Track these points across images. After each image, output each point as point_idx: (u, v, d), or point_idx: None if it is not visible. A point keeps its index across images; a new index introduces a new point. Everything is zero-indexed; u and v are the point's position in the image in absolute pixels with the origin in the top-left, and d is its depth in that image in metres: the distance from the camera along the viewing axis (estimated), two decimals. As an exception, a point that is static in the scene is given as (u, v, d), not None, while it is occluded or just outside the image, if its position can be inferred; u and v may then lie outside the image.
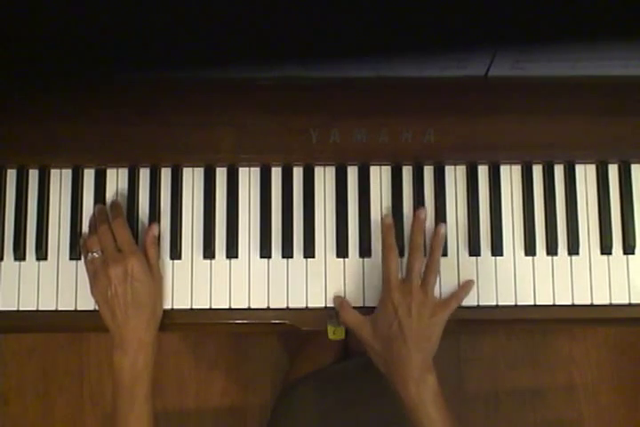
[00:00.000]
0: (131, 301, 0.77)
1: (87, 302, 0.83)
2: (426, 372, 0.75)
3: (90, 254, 0.80)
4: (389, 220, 0.83)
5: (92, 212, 0.85)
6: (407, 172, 0.85)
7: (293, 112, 0.83)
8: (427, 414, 0.74)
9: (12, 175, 0.85)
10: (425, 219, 0.83)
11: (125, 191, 0.85)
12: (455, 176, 0.85)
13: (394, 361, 0.75)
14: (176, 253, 0.84)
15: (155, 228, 0.83)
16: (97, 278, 0.79)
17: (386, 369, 0.77)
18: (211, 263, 0.84)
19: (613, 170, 0.85)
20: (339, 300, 0.82)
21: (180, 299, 0.83)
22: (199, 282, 0.83)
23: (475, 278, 0.83)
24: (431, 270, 0.79)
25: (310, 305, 0.83)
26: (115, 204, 0.84)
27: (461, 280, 0.83)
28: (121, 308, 0.77)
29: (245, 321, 0.83)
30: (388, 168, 0.85)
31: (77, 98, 0.84)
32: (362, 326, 0.79)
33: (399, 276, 0.79)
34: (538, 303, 0.83)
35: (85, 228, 0.85)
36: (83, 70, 0.80)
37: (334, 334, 0.82)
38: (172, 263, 0.84)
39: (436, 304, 0.78)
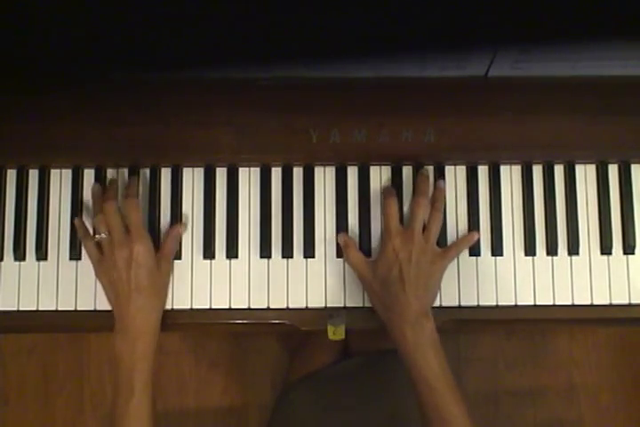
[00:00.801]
0: (134, 286, 0.76)
1: (87, 302, 0.83)
2: (423, 317, 0.75)
3: (97, 236, 0.79)
4: (391, 188, 0.84)
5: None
6: (407, 172, 0.85)
7: (293, 112, 0.83)
8: (423, 356, 0.74)
9: (11, 175, 0.85)
10: (428, 175, 0.83)
11: (116, 186, 0.85)
12: (455, 176, 0.85)
13: (391, 305, 0.76)
14: (176, 253, 0.84)
15: (183, 226, 0.83)
16: (102, 260, 0.78)
17: (383, 313, 0.78)
18: (211, 263, 0.84)
19: (613, 170, 0.85)
20: (344, 238, 0.82)
21: (180, 299, 0.83)
22: (199, 282, 0.83)
23: (475, 278, 0.83)
24: (434, 218, 0.80)
25: (310, 305, 0.83)
26: (132, 181, 0.83)
27: (461, 280, 0.83)
28: (124, 292, 0.76)
29: (245, 321, 0.83)
30: (388, 168, 0.85)
31: (77, 98, 0.84)
32: (363, 267, 0.79)
33: (398, 221, 0.80)
34: (538, 303, 0.83)
35: (86, 225, 0.84)
36: (83, 70, 0.80)
37: (334, 334, 0.82)
38: (172, 263, 0.84)
39: (435, 252, 0.79)
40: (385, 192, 0.83)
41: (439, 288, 0.81)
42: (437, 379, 0.74)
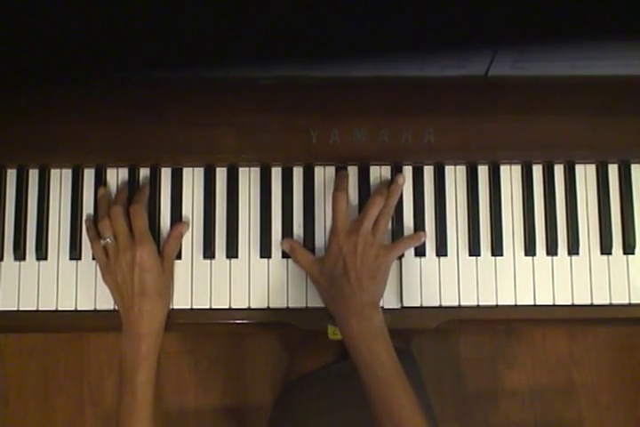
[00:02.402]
0: (138, 290, 0.77)
1: (87, 302, 0.83)
2: (369, 308, 0.76)
3: (102, 240, 0.80)
4: (344, 171, 0.84)
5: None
6: (407, 172, 0.85)
7: (293, 112, 0.83)
8: (369, 347, 0.74)
9: (12, 175, 0.85)
10: (403, 183, 0.83)
11: (125, 191, 0.85)
12: (455, 176, 0.85)
13: (338, 298, 0.77)
14: (176, 254, 0.84)
15: (185, 225, 0.83)
16: (109, 264, 0.79)
17: (331, 306, 0.78)
18: (211, 263, 0.84)
19: (613, 170, 0.85)
20: (288, 243, 0.82)
21: (180, 299, 0.83)
22: (199, 282, 0.83)
23: (475, 278, 0.83)
24: (384, 214, 0.81)
25: (310, 305, 0.83)
26: (142, 188, 0.84)
27: (461, 280, 0.83)
28: (129, 295, 0.78)
29: (245, 321, 0.83)
30: (388, 168, 0.85)
31: (77, 98, 0.84)
32: (312, 266, 0.80)
33: (348, 217, 0.81)
34: (538, 303, 0.83)
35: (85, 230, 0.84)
36: (83, 70, 0.80)
37: (334, 333, 0.82)
38: (174, 264, 0.84)
39: (382, 246, 0.79)
40: (336, 186, 0.83)
41: (386, 283, 0.80)
42: (385, 369, 0.73)
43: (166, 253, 0.82)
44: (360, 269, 0.77)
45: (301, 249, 0.82)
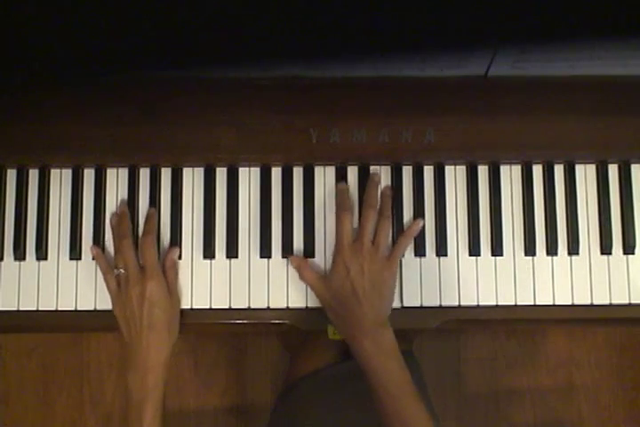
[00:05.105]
0: (146, 324, 0.77)
1: (87, 302, 0.83)
2: (380, 327, 0.76)
3: (116, 270, 0.80)
4: (342, 185, 0.84)
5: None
6: (407, 172, 0.85)
7: (293, 112, 0.83)
8: (382, 365, 0.74)
9: (12, 175, 0.85)
10: (379, 181, 0.84)
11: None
12: (455, 176, 0.85)
13: (348, 319, 0.77)
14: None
15: (175, 251, 0.83)
16: (119, 296, 0.79)
17: (341, 327, 0.78)
18: (211, 263, 0.84)
19: (613, 170, 0.85)
20: (296, 260, 0.82)
21: (180, 299, 0.83)
22: (199, 282, 0.83)
23: (475, 278, 0.83)
24: (382, 228, 0.80)
25: (310, 305, 0.83)
26: (149, 217, 0.83)
27: (462, 280, 0.83)
28: (137, 328, 0.78)
29: (245, 321, 0.83)
30: (388, 168, 0.85)
31: (77, 98, 0.84)
32: (319, 285, 0.80)
33: (352, 236, 0.80)
34: (538, 303, 0.83)
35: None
36: (82, 70, 0.80)
37: (334, 334, 0.82)
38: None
39: (383, 259, 0.79)
40: (338, 205, 0.82)
41: (394, 295, 0.81)
42: (399, 387, 0.74)
43: (169, 285, 0.81)
44: (369, 289, 0.77)
45: (308, 268, 0.81)
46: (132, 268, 0.79)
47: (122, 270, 0.79)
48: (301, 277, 0.82)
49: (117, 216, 0.84)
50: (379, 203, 0.83)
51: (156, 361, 0.78)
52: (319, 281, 0.80)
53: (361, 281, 0.77)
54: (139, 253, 0.81)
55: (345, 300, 0.77)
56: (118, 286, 0.80)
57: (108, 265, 0.82)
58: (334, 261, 0.80)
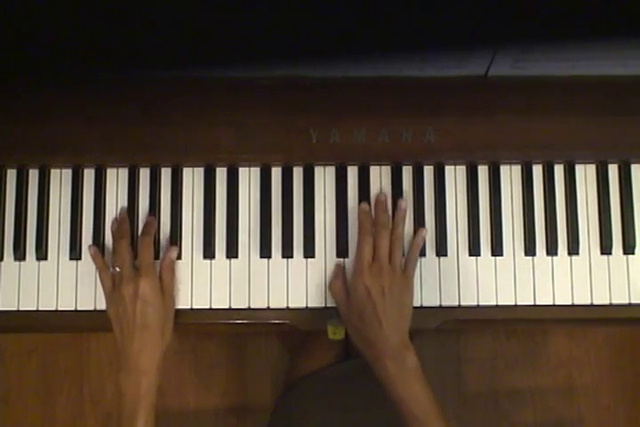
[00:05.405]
0: (139, 323, 0.76)
1: (87, 302, 0.83)
2: (404, 350, 0.75)
3: (111, 269, 0.80)
4: (365, 205, 0.83)
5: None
6: (407, 172, 0.85)
7: (293, 112, 0.83)
8: (408, 389, 0.74)
9: (12, 175, 0.85)
10: (385, 200, 0.83)
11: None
12: (455, 176, 0.85)
13: (371, 341, 0.76)
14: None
15: (174, 251, 0.82)
16: (112, 295, 0.79)
17: (364, 349, 0.78)
18: (211, 263, 0.84)
19: (613, 170, 0.85)
20: (339, 268, 0.82)
21: (180, 299, 0.83)
22: (199, 282, 0.83)
23: (475, 278, 0.83)
24: (395, 246, 0.80)
25: (310, 305, 0.83)
26: (148, 223, 0.83)
27: (462, 280, 0.83)
28: (130, 328, 0.77)
29: (245, 321, 0.83)
30: (388, 168, 0.85)
31: (77, 98, 0.84)
32: (341, 298, 0.80)
33: (371, 258, 0.79)
34: (538, 303, 0.83)
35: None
36: (83, 70, 0.80)
37: (334, 334, 0.82)
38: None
39: (401, 277, 0.79)
40: (360, 228, 0.82)
41: (412, 310, 0.80)
42: (424, 411, 0.74)
43: (164, 285, 0.80)
44: (391, 311, 0.76)
45: (340, 279, 0.81)
46: (126, 267, 0.79)
47: (117, 269, 0.79)
48: (329, 284, 0.81)
49: (117, 222, 0.84)
50: (390, 221, 0.82)
51: (150, 364, 0.77)
52: (344, 297, 0.80)
53: (383, 304, 0.76)
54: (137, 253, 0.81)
55: (367, 322, 0.76)
56: (113, 285, 0.80)
57: (103, 264, 0.82)
58: (355, 283, 0.78)
